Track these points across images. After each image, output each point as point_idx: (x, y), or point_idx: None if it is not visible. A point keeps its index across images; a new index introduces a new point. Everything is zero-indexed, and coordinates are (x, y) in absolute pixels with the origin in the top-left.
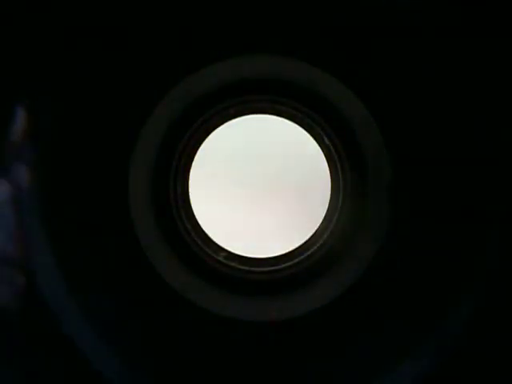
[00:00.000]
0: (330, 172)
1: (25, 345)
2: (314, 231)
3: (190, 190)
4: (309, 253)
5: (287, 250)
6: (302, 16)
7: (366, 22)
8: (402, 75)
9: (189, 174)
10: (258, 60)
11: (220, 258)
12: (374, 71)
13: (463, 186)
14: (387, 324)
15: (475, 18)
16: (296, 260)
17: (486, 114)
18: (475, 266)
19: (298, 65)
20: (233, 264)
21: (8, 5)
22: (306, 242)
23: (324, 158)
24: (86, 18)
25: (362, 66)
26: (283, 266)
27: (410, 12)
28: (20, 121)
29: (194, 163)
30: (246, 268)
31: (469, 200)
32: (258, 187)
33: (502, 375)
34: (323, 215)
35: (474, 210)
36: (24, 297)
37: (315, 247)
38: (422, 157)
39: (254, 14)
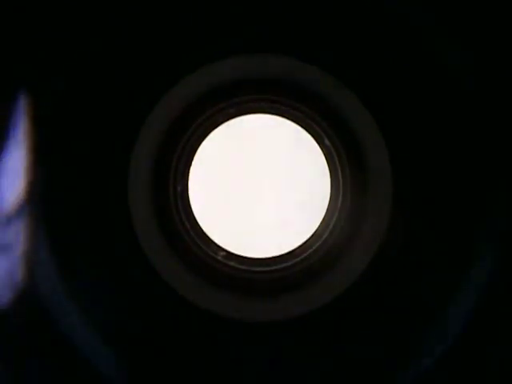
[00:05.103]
0: (330, 172)
1: (23, 346)
2: (313, 232)
3: (190, 188)
4: (307, 254)
5: (286, 251)
6: (302, 16)
7: (368, 24)
8: (404, 77)
9: (188, 173)
10: (259, 60)
11: (219, 258)
12: (375, 72)
13: (464, 188)
14: (386, 325)
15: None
16: (295, 261)
17: (485, 115)
18: (475, 266)
19: (299, 65)
20: (231, 263)
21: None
22: (304, 243)
23: (324, 159)
24: (87, 17)
25: (363, 67)
26: (282, 266)
27: (411, 14)
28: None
29: (193, 162)
30: (245, 268)
31: (469, 201)
32: (258, 187)
33: (503, 375)
34: (322, 216)
35: (474, 212)
36: (22, 297)
37: (314, 248)
38: (423, 157)
39: (254, 13)
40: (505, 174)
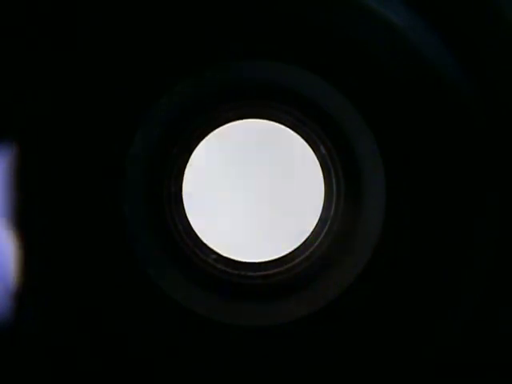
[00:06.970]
0: (324, 181)
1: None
2: (304, 239)
3: (184, 190)
4: (298, 260)
5: (276, 256)
6: (304, 24)
7: (367, 35)
8: (400, 87)
9: (183, 175)
10: (258, 65)
11: (209, 260)
12: (373, 83)
13: (459, 193)
14: (382, 332)
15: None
16: (285, 267)
17: (482, 121)
18: (474, 267)
19: (298, 72)
20: (221, 267)
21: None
22: (296, 250)
23: (319, 166)
24: (89, 17)
25: (362, 78)
26: (272, 271)
27: (407, 26)
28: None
29: (188, 164)
30: (235, 272)
31: (465, 205)
32: (252, 191)
33: (502, 374)
34: (315, 224)
35: (471, 213)
36: (14, 309)
37: (305, 255)
38: (418, 168)
39: (256, 19)
40: (503, 175)
